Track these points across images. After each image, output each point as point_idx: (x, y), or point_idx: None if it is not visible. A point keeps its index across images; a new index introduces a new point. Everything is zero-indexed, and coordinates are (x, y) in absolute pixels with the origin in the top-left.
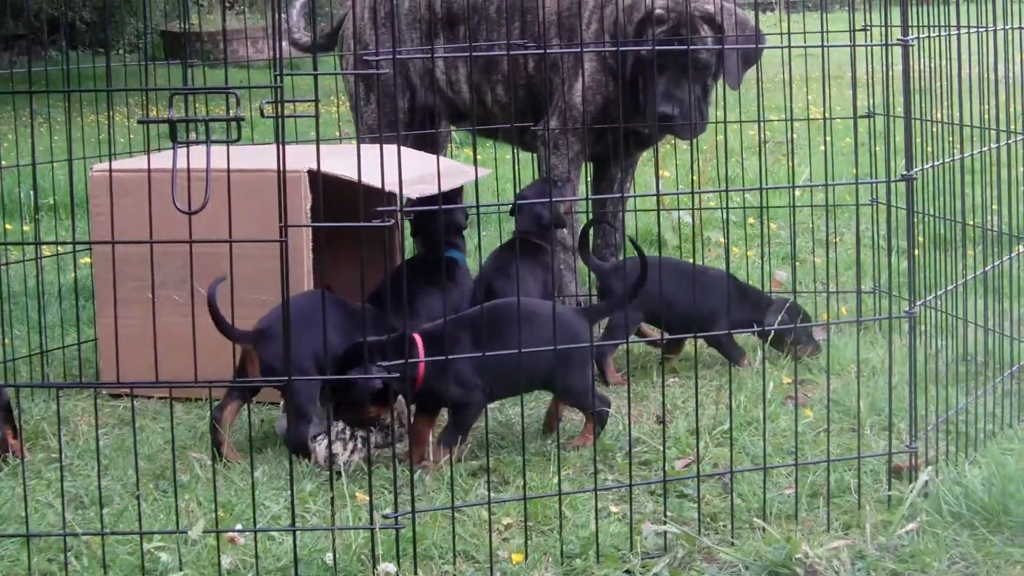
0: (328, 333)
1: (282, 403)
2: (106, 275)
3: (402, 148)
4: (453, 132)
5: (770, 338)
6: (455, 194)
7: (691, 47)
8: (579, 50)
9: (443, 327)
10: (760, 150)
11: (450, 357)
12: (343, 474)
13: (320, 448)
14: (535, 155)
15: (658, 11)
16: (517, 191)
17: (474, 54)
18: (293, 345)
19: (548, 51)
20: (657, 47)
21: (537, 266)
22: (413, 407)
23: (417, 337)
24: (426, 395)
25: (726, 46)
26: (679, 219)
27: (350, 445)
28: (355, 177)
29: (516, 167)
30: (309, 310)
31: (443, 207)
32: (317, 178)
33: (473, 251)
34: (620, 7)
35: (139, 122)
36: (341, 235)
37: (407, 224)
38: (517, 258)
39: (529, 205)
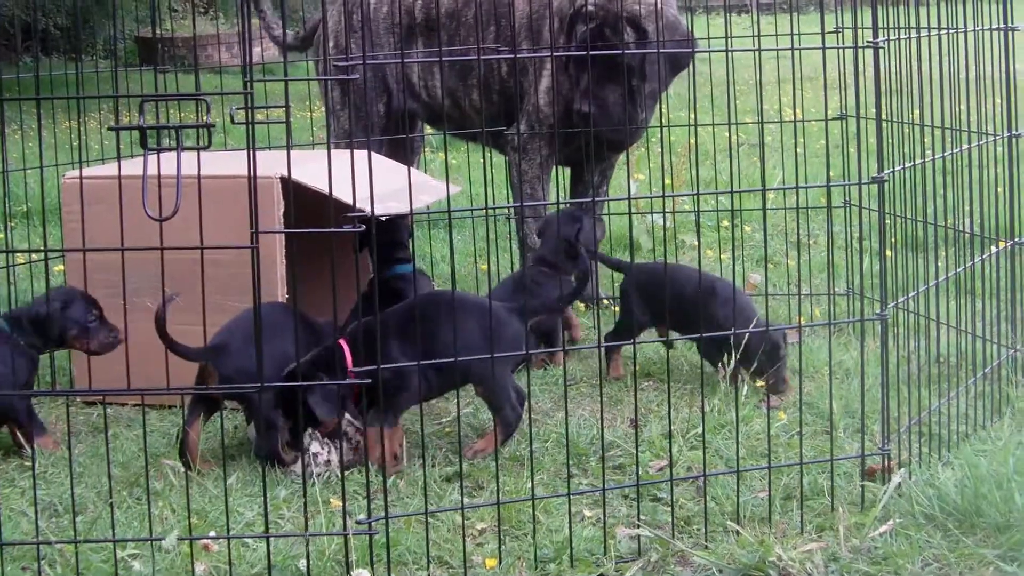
0: (287, 345)
1: (245, 414)
2: (79, 282)
3: (375, 156)
4: (429, 137)
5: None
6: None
7: (607, 49)
8: (547, 54)
9: (365, 326)
10: (733, 152)
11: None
12: (316, 480)
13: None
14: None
15: (589, 6)
16: (486, 195)
17: (445, 59)
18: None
19: (518, 55)
20: (584, 46)
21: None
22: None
23: (342, 343)
24: (368, 395)
25: (649, 50)
26: (652, 222)
27: (327, 446)
28: (326, 189)
29: (488, 171)
30: (269, 322)
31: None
32: (288, 184)
33: (446, 255)
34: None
35: (110, 128)
36: (313, 241)
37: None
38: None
39: (556, 231)
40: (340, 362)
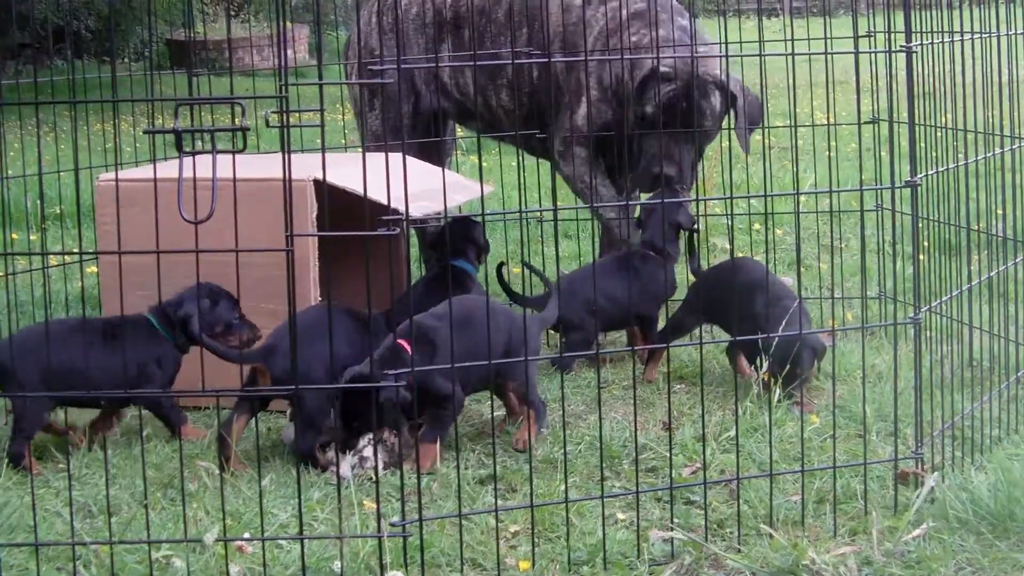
0: (339, 344)
1: (289, 413)
2: (113, 284)
3: (408, 159)
4: (459, 140)
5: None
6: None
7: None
8: (583, 59)
9: (422, 326)
10: (765, 156)
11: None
12: (351, 482)
13: (344, 462)
14: (550, 162)
15: (665, 68)
16: (522, 199)
17: (477, 63)
18: (305, 356)
19: (552, 59)
20: (663, 107)
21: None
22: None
23: (404, 343)
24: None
25: (737, 113)
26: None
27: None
28: (360, 191)
29: (521, 174)
30: (319, 322)
31: (453, 218)
32: (323, 187)
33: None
34: (623, 65)
35: (145, 132)
36: (347, 244)
37: (412, 233)
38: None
39: (658, 215)
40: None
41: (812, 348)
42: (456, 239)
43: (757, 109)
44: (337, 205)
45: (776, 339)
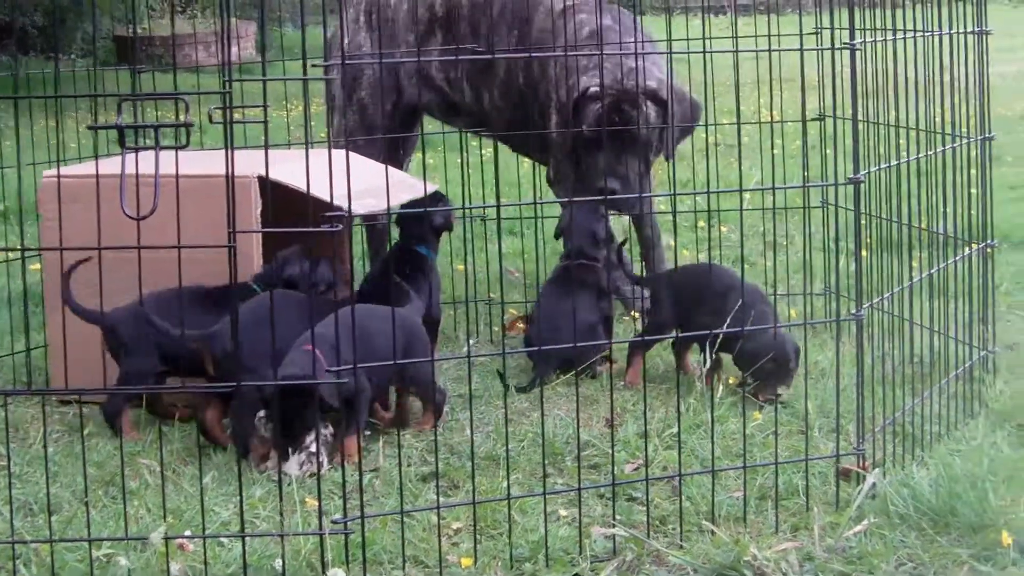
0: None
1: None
2: (56, 281)
3: (353, 156)
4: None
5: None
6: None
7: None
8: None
9: (323, 335)
10: (709, 153)
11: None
12: (293, 480)
13: (292, 461)
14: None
15: (593, 88)
16: (465, 196)
17: (461, 58)
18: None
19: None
20: (597, 126)
21: (592, 290)
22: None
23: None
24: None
25: (668, 123)
26: (629, 222)
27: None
28: (303, 187)
29: (465, 171)
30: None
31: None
32: (265, 183)
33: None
34: (568, 80)
35: (88, 127)
36: (292, 240)
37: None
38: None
39: (580, 225)
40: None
41: (796, 348)
42: (412, 223)
43: (694, 112)
44: (281, 202)
45: (754, 341)
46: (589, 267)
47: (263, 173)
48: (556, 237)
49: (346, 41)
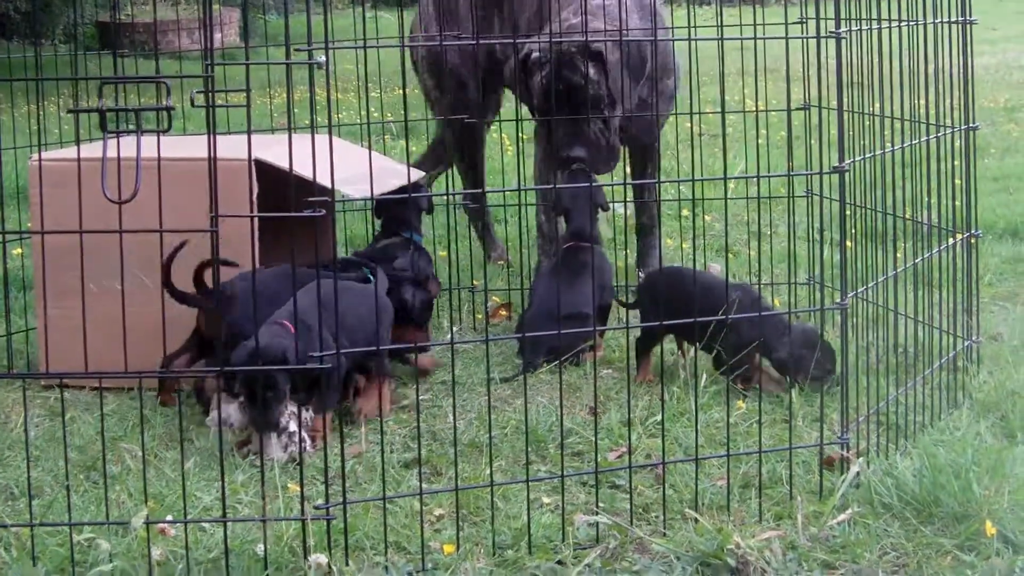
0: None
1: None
2: (48, 265)
3: (338, 142)
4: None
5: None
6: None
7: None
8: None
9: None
10: (694, 142)
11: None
12: (276, 465)
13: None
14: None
15: (535, 54)
16: (449, 184)
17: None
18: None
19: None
20: (541, 90)
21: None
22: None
23: (288, 324)
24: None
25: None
26: (613, 211)
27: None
28: (302, 173)
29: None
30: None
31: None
32: (250, 167)
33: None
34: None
35: (69, 111)
36: (280, 225)
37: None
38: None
39: (580, 201)
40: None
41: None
42: (395, 209)
43: (637, 60)
44: (270, 187)
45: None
46: (588, 249)
47: (258, 157)
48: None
49: (421, 28)
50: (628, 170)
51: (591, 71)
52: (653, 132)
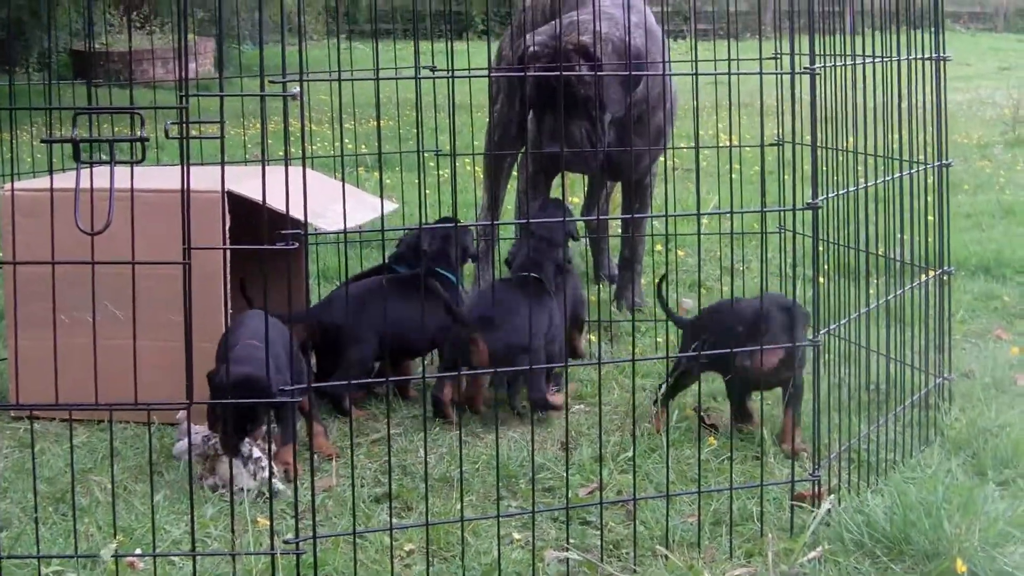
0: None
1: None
2: (20, 295)
3: (311, 174)
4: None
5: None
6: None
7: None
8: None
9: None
10: (668, 177)
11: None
12: (245, 498)
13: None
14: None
15: (534, 48)
16: (422, 216)
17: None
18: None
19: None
20: (533, 83)
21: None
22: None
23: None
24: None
25: (601, 73)
26: (586, 246)
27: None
28: (273, 204)
29: (422, 190)
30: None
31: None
32: (223, 199)
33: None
34: (511, 41)
35: (42, 141)
36: (252, 257)
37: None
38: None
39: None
40: None
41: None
42: (436, 243)
43: (636, 68)
44: (242, 220)
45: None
46: (539, 282)
47: (232, 189)
48: (507, 263)
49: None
50: (582, 200)
51: (585, 71)
52: (638, 168)
